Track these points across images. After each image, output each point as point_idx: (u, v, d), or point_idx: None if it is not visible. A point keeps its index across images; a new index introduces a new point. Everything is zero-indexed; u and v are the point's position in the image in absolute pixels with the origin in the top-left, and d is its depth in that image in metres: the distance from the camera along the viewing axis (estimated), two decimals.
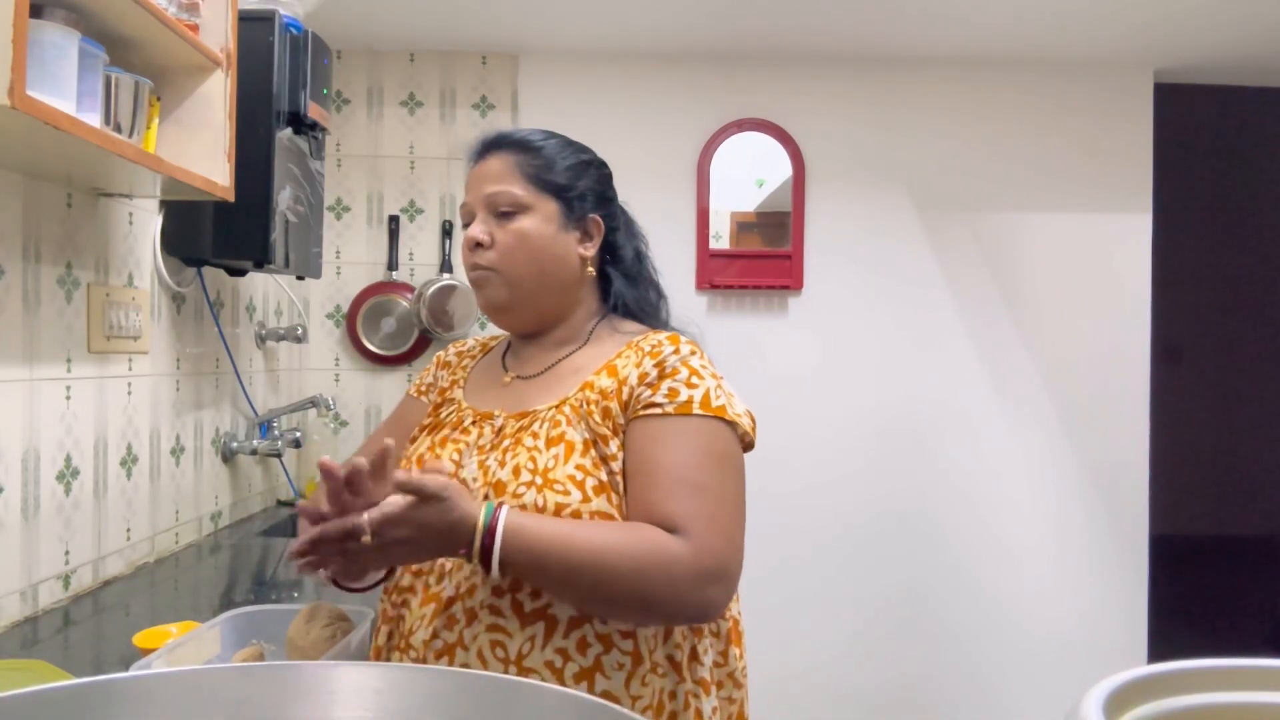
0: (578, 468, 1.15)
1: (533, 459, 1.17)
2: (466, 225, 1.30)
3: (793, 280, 3.08)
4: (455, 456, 1.23)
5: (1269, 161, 5.06)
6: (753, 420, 1.23)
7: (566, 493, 1.13)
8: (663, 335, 1.25)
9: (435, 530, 1.04)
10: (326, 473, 1.05)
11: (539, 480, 1.14)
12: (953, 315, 3.12)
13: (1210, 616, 4.37)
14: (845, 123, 3.11)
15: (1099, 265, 3.13)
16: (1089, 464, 3.13)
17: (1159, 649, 3.10)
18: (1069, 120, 3.12)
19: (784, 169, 3.10)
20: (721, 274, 3.07)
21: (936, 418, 3.11)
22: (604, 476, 1.15)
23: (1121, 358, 3.13)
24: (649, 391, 1.18)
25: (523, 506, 1.13)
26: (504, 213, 1.26)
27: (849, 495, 3.08)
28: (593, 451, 1.16)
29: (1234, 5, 2.60)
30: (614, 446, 1.17)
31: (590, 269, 1.30)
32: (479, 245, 1.26)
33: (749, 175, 3.13)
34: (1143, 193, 3.13)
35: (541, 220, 1.26)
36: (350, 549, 1.04)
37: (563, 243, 1.27)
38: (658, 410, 1.17)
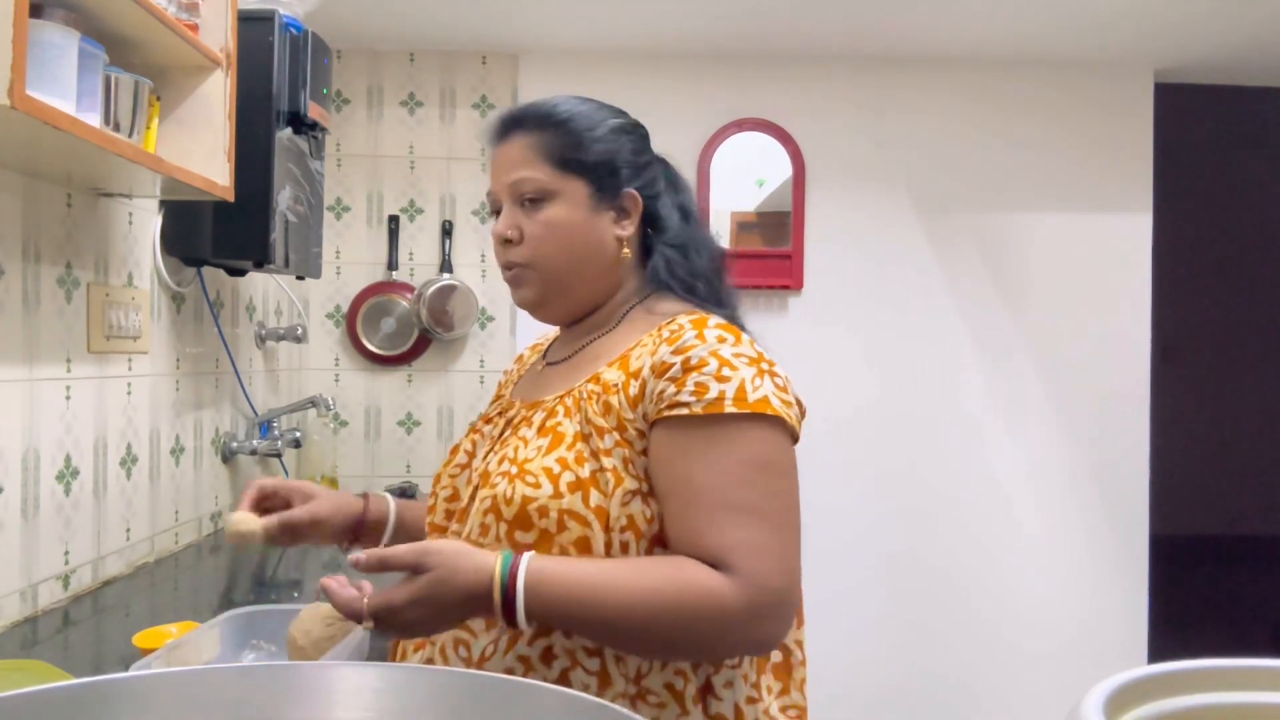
0: (558, 461, 1.04)
1: (516, 449, 1.08)
2: (495, 212, 1.20)
3: (793, 280, 3.08)
4: (469, 448, 1.20)
5: (1269, 161, 5.06)
6: (802, 410, 1.10)
7: (537, 485, 1.03)
8: (687, 319, 1.09)
9: (445, 603, 0.96)
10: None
11: (514, 470, 1.05)
12: (953, 315, 3.12)
13: (1210, 616, 4.36)
14: (845, 123, 3.10)
15: (1099, 265, 3.13)
16: (1089, 463, 3.13)
17: (1159, 649, 3.10)
18: (1069, 120, 3.12)
19: (784, 169, 3.09)
20: None
21: (936, 417, 3.11)
22: (586, 473, 1.03)
23: (1121, 357, 3.13)
24: (672, 388, 1.03)
25: (492, 498, 1.05)
26: (530, 199, 1.14)
27: (847, 496, 3.08)
28: (581, 445, 1.05)
29: (1234, 5, 2.59)
30: (609, 441, 1.04)
31: (626, 251, 1.17)
32: (508, 241, 1.16)
33: (749, 175, 3.13)
34: (1143, 192, 3.13)
35: (570, 205, 1.14)
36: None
37: (596, 227, 1.15)
38: (683, 410, 1.02)
